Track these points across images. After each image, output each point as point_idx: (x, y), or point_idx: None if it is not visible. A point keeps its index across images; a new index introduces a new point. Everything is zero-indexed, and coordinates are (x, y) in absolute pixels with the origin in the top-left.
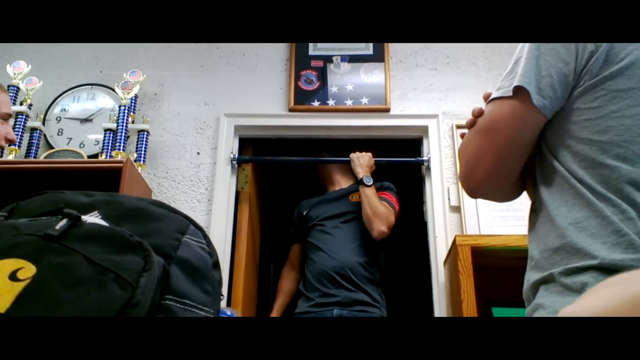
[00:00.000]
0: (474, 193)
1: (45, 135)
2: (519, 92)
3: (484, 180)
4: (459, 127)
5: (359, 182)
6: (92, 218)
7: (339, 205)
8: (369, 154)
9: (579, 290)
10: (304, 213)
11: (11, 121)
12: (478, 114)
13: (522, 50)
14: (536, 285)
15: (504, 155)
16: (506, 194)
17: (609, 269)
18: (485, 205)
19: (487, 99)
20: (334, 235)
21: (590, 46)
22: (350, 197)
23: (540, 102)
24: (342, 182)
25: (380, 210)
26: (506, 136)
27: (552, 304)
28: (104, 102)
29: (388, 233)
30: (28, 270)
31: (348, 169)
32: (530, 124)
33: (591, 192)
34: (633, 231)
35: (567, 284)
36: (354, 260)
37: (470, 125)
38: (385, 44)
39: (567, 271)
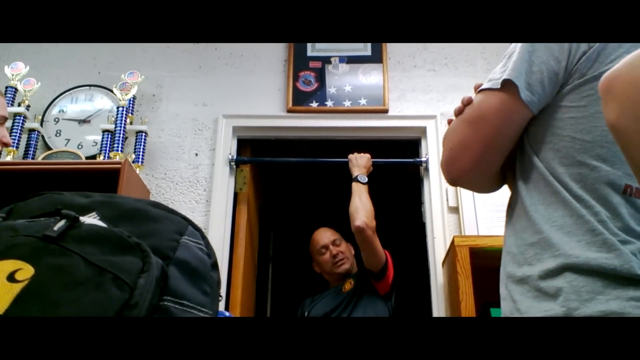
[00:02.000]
0: (454, 181)
1: (43, 137)
2: (508, 85)
3: (466, 169)
4: (449, 123)
5: (353, 179)
6: (91, 219)
7: (333, 300)
8: (368, 155)
9: (554, 295)
10: (305, 314)
11: (9, 122)
12: (467, 103)
13: (516, 44)
14: (512, 282)
15: (489, 146)
16: (486, 186)
17: (583, 269)
18: (483, 206)
19: (477, 89)
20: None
21: (583, 46)
22: (342, 289)
23: (528, 98)
24: (344, 280)
25: (369, 206)
26: (492, 127)
27: (528, 309)
28: (102, 103)
29: (367, 231)
30: (26, 271)
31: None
32: (516, 118)
33: (567, 191)
34: (607, 231)
35: (542, 287)
36: None
37: (458, 113)
38: (384, 45)
39: (542, 274)
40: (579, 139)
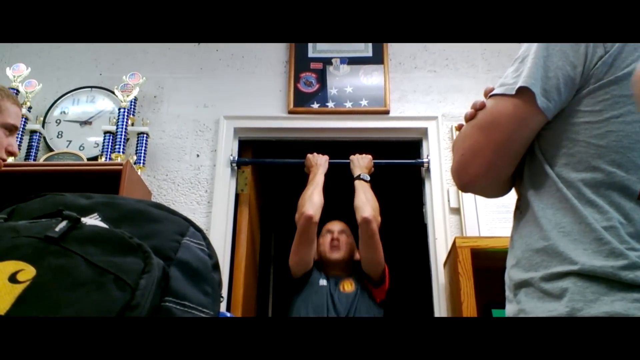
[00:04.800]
0: (465, 187)
1: (44, 138)
2: (524, 92)
3: (478, 175)
4: (458, 129)
5: (356, 177)
6: (92, 220)
7: (334, 292)
8: (369, 156)
9: (559, 295)
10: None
11: None
12: (479, 107)
13: (529, 48)
14: (517, 286)
15: (501, 152)
16: (496, 191)
17: (588, 275)
18: (484, 207)
19: (488, 93)
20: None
21: (599, 51)
22: (341, 287)
23: (544, 104)
24: (339, 273)
25: (375, 204)
26: (505, 133)
27: (532, 310)
28: (103, 104)
29: (374, 223)
30: (28, 272)
31: (350, 262)
32: (531, 124)
33: (577, 198)
34: (615, 240)
35: (547, 289)
36: None
37: (470, 118)
38: (385, 46)
39: (547, 277)
40: (594, 144)
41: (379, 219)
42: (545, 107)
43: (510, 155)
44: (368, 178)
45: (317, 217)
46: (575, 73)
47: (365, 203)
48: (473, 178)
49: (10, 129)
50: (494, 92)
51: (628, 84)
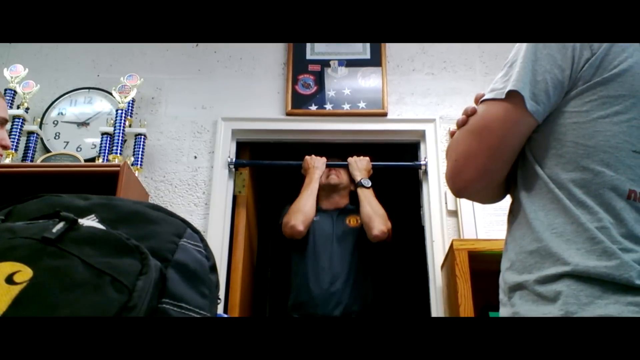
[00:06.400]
0: (460, 193)
1: (42, 139)
2: (513, 95)
3: (472, 180)
4: (451, 135)
5: (357, 185)
6: (89, 221)
7: (337, 226)
8: (367, 158)
9: (553, 298)
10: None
11: (8, 125)
12: (471, 113)
13: (517, 53)
14: (512, 289)
15: (494, 156)
16: (491, 196)
17: (582, 277)
18: (482, 210)
19: (478, 100)
20: (332, 257)
21: (586, 53)
22: (347, 221)
23: (533, 107)
24: (339, 202)
25: (381, 211)
26: (497, 137)
27: (527, 313)
28: (101, 105)
29: (386, 236)
30: (25, 273)
31: (347, 189)
32: (521, 127)
33: (569, 198)
34: (607, 239)
35: (541, 292)
36: (349, 286)
37: (462, 124)
38: (383, 49)
39: (541, 279)
40: (582, 144)
41: (389, 225)
42: (534, 110)
43: (503, 158)
44: (369, 184)
45: (305, 230)
46: (563, 76)
47: (373, 217)
48: (467, 183)
49: (1, 122)
50: (484, 98)
51: (615, 85)
